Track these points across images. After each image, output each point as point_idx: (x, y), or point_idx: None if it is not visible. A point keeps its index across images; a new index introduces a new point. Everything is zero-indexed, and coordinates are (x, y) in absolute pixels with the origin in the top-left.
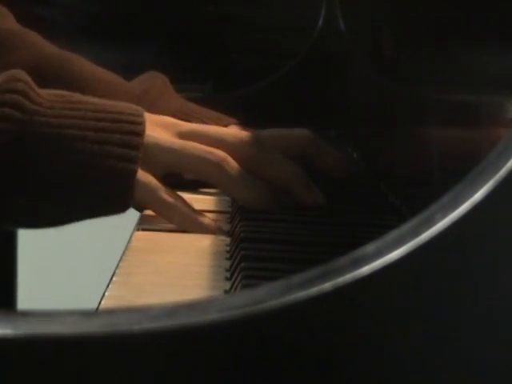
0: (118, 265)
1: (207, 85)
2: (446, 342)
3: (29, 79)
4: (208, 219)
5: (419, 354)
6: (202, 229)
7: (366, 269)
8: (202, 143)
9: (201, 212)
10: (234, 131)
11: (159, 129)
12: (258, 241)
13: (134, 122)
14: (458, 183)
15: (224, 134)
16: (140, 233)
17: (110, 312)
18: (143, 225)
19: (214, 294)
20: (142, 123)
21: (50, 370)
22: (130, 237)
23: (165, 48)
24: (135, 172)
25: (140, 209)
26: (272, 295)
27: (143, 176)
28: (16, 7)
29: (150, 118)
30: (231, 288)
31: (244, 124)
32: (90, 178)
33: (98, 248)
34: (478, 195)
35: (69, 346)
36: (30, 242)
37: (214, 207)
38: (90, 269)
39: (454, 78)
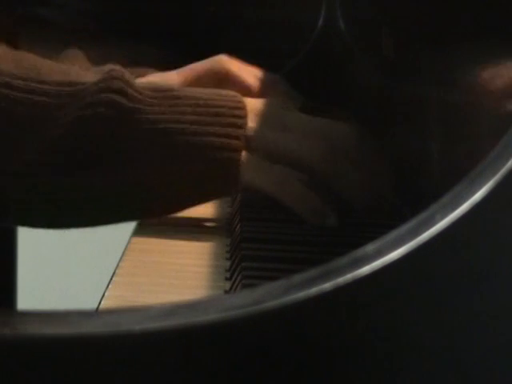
0: (118, 265)
1: None
2: (445, 342)
3: (126, 76)
4: (319, 201)
5: (419, 354)
6: (311, 212)
7: (366, 269)
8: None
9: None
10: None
11: (262, 120)
12: (258, 241)
13: (235, 116)
14: (457, 183)
15: (332, 127)
16: (137, 239)
17: (110, 312)
18: (140, 231)
19: (214, 293)
20: (243, 116)
21: (50, 370)
22: (128, 241)
23: (165, 48)
24: (239, 161)
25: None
26: (272, 295)
27: (251, 160)
28: (16, 7)
29: (253, 108)
30: (231, 288)
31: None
32: (190, 170)
33: (97, 248)
34: (478, 195)
35: (69, 346)
36: (30, 242)
37: (214, 207)
38: (90, 269)
39: (454, 77)
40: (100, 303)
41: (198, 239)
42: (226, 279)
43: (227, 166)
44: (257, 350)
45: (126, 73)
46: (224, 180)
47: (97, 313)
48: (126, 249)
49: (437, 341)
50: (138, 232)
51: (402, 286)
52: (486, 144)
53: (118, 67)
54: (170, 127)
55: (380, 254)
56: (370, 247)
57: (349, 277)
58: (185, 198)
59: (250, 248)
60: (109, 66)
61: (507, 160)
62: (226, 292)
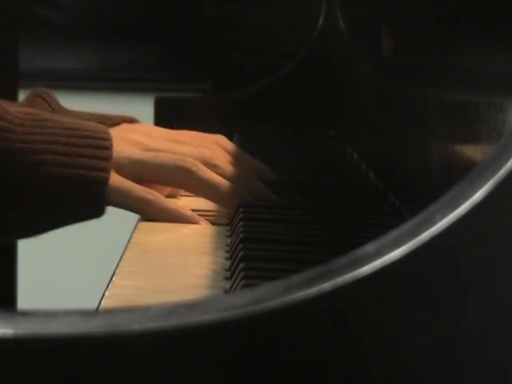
0: (118, 265)
1: (207, 85)
2: (445, 342)
3: None
4: (187, 210)
5: (419, 354)
6: (182, 219)
7: (366, 269)
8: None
9: (179, 205)
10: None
11: (127, 144)
12: (258, 241)
13: (101, 138)
14: (457, 183)
15: (190, 150)
16: (137, 239)
17: (110, 312)
18: (140, 231)
19: (214, 293)
20: (109, 139)
21: (50, 369)
22: (128, 241)
23: (165, 48)
24: (107, 180)
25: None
26: (272, 295)
27: (117, 180)
28: (18, 8)
29: (116, 133)
30: (231, 288)
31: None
32: (62, 189)
33: (98, 248)
34: (478, 195)
35: (69, 346)
36: (30, 242)
37: (214, 207)
38: (90, 269)
39: (454, 77)
40: (100, 303)
41: (198, 239)
42: (226, 279)
43: (96, 184)
44: (256, 349)
45: None
46: (92, 199)
47: (97, 313)
48: (126, 248)
49: (436, 341)
50: (138, 232)
51: (402, 286)
52: (485, 144)
53: None
54: (43, 147)
55: (380, 253)
56: (369, 247)
57: (349, 277)
58: (54, 217)
59: (250, 248)
60: None
61: (507, 160)
62: (226, 292)
